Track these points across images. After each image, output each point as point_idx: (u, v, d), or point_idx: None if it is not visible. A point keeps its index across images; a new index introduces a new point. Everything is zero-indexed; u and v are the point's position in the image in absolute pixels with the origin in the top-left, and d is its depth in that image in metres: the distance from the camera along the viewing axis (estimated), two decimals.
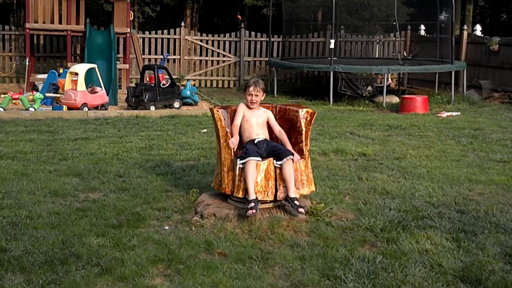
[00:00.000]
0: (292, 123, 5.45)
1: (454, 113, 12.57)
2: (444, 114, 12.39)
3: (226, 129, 5.22)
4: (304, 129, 5.33)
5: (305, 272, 4.11)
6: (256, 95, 5.46)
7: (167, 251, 4.40)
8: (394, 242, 4.64)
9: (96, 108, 11.64)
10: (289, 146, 5.32)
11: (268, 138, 5.42)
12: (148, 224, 5.03)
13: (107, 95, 12.18)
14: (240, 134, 5.41)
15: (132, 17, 15.89)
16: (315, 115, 5.42)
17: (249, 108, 5.50)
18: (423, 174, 6.91)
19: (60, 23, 14.22)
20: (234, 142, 5.24)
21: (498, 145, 8.91)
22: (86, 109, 11.36)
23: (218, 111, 5.23)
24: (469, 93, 15.46)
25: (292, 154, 5.16)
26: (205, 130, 9.75)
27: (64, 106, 11.40)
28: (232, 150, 5.21)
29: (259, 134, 5.39)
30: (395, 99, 14.53)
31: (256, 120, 5.45)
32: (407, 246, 4.54)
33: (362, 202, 5.68)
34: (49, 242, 4.52)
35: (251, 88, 5.45)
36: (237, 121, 5.41)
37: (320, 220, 5.07)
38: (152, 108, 11.86)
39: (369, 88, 15.33)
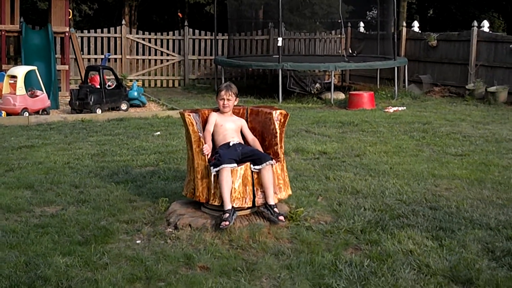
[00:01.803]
0: (265, 125, 5.27)
1: (400, 108, 12.79)
2: (391, 109, 12.55)
3: (199, 134, 4.98)
4: (278, 131, 5.17)
5: (294, 282, 3.95)
6: (229, 99, 5.27)
7: (144, 268, 4.11)
8: (377, 244, 4.56)
9: (38, 112, 11.05)
10: None
11: (242, 142, 5.23)
12: (118, 239, 4.70)
13: (48, 98, 11.58)
14: (213, 138, 5.20)
15: (71, 16, 15.24)
16: (288, 117, 5.26)
17: (222, 113, 5.30)
18: (387, 171, 6.90)
19: None
20: (207, 148, 5.01)
21: (450, 138, 9.09)
22: (26, 114, 10.73)
23: (189, 115, 4.98)
24: (410, 87, 15.86)
25: (271, 159, 4.99)
26: (158, 133, 9.45)
27: (3, 111, 10.72)
28: (206, 156, 4.98)
29: (234, 137, 5.19)
30: (341, 95, 14.68)
31: (230, 125, 5.26)
32: (391, 247, 4.46)
33: (336, 203, 5.58)
34: (10, 264, 4.13)
35: (223, 93, 5.26)
36: (210, 127, 5.20)
37: (300, 225, 4.93)
38: (98, 111, 11.39)
39: (317, 85, 15.40)
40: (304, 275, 4.03)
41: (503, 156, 7.76)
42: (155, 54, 17.64)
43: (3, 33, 13.44)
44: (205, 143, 5.03)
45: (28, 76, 11.38)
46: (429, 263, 4.18)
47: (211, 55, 17.92)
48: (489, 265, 4.19)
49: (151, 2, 27.27)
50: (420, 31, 17.57)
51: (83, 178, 6.47)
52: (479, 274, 4.01)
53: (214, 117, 5.27)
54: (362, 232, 4.81)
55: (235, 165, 4.88)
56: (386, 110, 12.52)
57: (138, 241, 4.66)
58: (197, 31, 17.94)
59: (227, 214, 4.73)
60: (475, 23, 15.11)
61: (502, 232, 4.78)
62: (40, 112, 11.16)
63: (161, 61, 17.71)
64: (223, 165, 4.82)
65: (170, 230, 4.85)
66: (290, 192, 5.27)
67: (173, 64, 17.91)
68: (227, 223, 4.68)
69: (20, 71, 11.13)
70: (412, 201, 5.70)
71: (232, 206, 4.80)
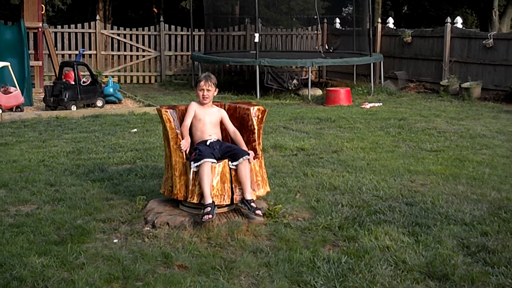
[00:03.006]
0: (243, 122, 5.26)
1: (376, 104, 12.85)
2: (368, 105, 12.62)
3: (176, 130, 4.94)
4: (256, 127, 5.16)
5: (273, 279, 3.94)
6: (208, 90, 5.20)
7: (121, 268, 4.06)
8: (354, 240, 4.58)
9: (11, 109, 10.91)
10: (244, 147, 5.12)
11: (220, 138, 5.21)
12: (94, 238, 4.64)
13: (22, 95, 11.41)
14: (191, 133, 5.14)
15: (44, 11, 15.01)
16: (266, 113, 5.25)
17: (202, 104, 5.24)
18: (364, 167, 6.94)
19: None
20: (185, 144, 4.96)
21: (425, 134, 9.18)
22: (0, 111, 10.57)
23: (166, 111, 4.94)
24: (386, 83, 15.98)
25: (248, 154, 4.96)
26: (135, 129, 9.37)
27: None
28: (184, 152, 4.94)
29: (212, 134, 5.16)
30: (318, 92, 14.73)
31: (210, 118, 5.20)
32: (368, 244, 4.49)
33: (314, 199, 5.60)
34: None
35: (202, 83, 5.19)
36: (187, 121, 5.13)
37: (278, 222, 4.93)
38: (73, 107, 11.28)
39: (294, 81, 15.42)
40: (282, 272, 4.03)
41: (477, 152, 7.86)
42: (131, 50, 17.48)
43: None
44: (182, 139, 4.98)
45: (1, 72, 11.21)
46: (405, 259, 4.21)
47: (187, 51, 17.82)
48: (464, 260, 4.23)
49: None
50: (395, 28, 17.69)
51: (59, 176, 6.38)
52: (455, 269, 4.05)
53: (193, 108, 5.17)
54: (340, 228, 4.83)
55: (215, 160, 4.84)
56: (363, 106, 12.60)
57: (115, 240, 4.61)
58: (173, 27, 17.82)
59: (209, 208, 4.69)
60: (449, 20, 15.26)
61: (476, 228, 4.84)
62: (14, 109, 11.01)
63: (137, 57, 17.56)
64: (204, 160, 4.77)
65: (148, 228, 4.81)
66: (268, 189, 5.27)
67: (149, 60, 17.77)
68: (210, 216, 4.64)
69: None
70: (389, 197, 5.74)
71: (213, 201, 4.77)
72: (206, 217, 4.64)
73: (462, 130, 9.56)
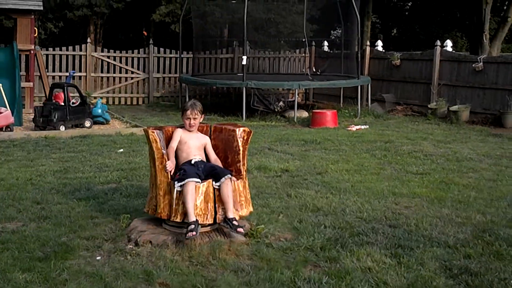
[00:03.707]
0: (228, 143, 5.33)
1: (363, 127, 12.92)
2: (354, 128, 12.71)
3: (162, 150, 5.01)
4: (241, 148, 5.22)
5: None
6: (195, 118, 5.31)
7: (103, 285, 4.11)
8: (336, 261, 4.61)
9: (1, 129, 10.95)
10: None
11: (205, 160, 5.28)
12: (78, 255, 4.68)
13: (12, 115, 11.48)
14: (176, 155, 5.23)
15: (36, 34, 15.15)
16: (251, 134, 5.33)
17: (188, 131, 5.34)
18: (348, 189, 6.99)
19: None
20: (171, 165, 5.04)
21: (411, 157, 9.21)
22: None
23: (153, 132, 5.01)
24: (373, 106, 16.01)
25: (230, 174, 5.04)
26: (121, 150, 9.42)
27: None
28: (169, 173, 5.00)
29: (196, 155, 5.23)
30: (304, 114, 14.78)
31: (194, 142, 5.30)
32: (350, 265, 4.52)
33: (297, 220, 5.64)
34: None
35: (189, 112, 5.29)
36: (173, 144, 5.22)
37: (260, 242, 4.97)
38: (62, 128, 11.34)
39: (281, 103, 15.52)
40: None
41: (464, 175, 7.89)
42: (120, 72, 17.59)
43: None
44: (168, 160, 5.05)
45: None
46: (386, 280, 4.24)
47: (175, 73, 17.95)
48: (446, 282, 4.26)
49: (116, 21, 27.18)
50: (383, 50, 17.87)
51: (45, 195, 6.44)
52: None
53: (178, 134, 5.28)
54: (322, 249, 4.86)
55: (199, 180, 4.91)
56: (349, 128, 12.68)
57: (98, 258, 4.65)
58: (162, 49, 17.97)
59: (193, 225, 4.74)
60: (438, 43, 15.37)
61: (460, 250, 4.87)
62: (4, 129, 11.05)
63: (126, 78, 17.66)
64: (188, 179, 4.85)
65: (131, 246, 4.85)
66: (251, 209, 5.32)
67: (138, 81, 17.86)
68: (194, 233, 4.69)
69: None
70: (372, 218, 5.78)
71: (196, 219, 4.81)
72: (190, 233, 4.69)
73: (449, 153, 9.61)
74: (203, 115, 5.40)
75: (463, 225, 5.61)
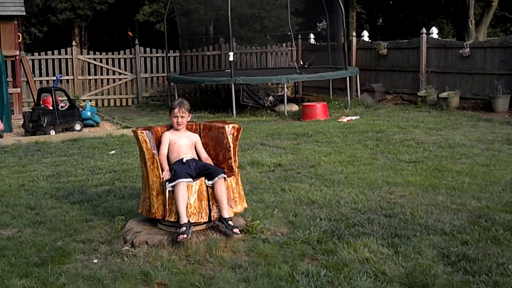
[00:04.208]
0: (219, 140, 5.31)
1: (353, 117, 12.91)
2: (345, 119, 12.70)
3: (153, 151, 4.98)
4: (231, 145, 5.21)
5: None
6: (182, 117, 5.29)
7: (101, 287, 4.10)
8: (333, 254, 4.61)
9: None
10: None
11: (196, 158, 5.26)
12: (75, 259, 4.67)
13: (1, 122, 11.46)
14: (167, 156, 5.22)
15: (21, 39, 15.08)
16: (241, 130, 5.31)
17: (176, 130, 5.32)
18: (342, 181, 6.98)
19: None
20: (166, 174, 5.02)
21: (403, 145, 9.20)
22: None
23: (142, 133, 4.98)
24: (363, 97, 16.02)
25: (224, 172, 5.02)
26: (113, 151, 9.38)
27: None
28: (160, 171, 4.99)
29: (187, 153, 5.22)
30: (294, 107, 14.79)
31: (184, 141, 5.29)
32: (347, 256, 4.52)
33: (292, 214, 5.63)
34: None
35: (176, 110, 5.28)
36: (164, 150, 5.21)
37: (257, 237, 4.96)
38: (52, 132, 11.31)
39: (270, 98, 15.51)
40: (261, 287, 4.05)
41: (457, 162, 7.88)
42: (107, 74, 17.56)
43: None
44: (162, 168, 5.03)
45: None
46: (385, 270, 4.23)
47: (163, 72, 17.93)
48: (444, 270, 4.25)
49: (100, 23, 27.11)
50: (370, 40, 17.86)
51: (39, 200, 6.42)
52: (435, 279, 4.07)
53: (167, 137, 5.28)
54: (318, 242, 4.85)
55: (191, 180, 4.90)
56: (340, 120, 12.68)
57: (95, 260, 4.63)
58: (148, 49, 17.95)
59: (184, 228, 4.74)
60: (424, 30, 15.38)
61: (457, 237, 4.86)
62: None
63: (114, 80, 17.64)
64: (178, 180, 4.83)
65: (127, 248, 4.83)
66: (245, 205, 5.30)
67: (126, 82, 17.85)
68: (185, 236, 4.69)
69: None
70: (367, 209, 5.77)
71: (188, 220, 4.81)
72: (181, 236, 4.69)
73: (441, 140, 9.59)
74: (190, 114, 5.39)
75: (458, 212, 5.60)
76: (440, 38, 16.13)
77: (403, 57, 15.96)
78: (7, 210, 6.04)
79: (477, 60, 14.10)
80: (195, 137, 5.40)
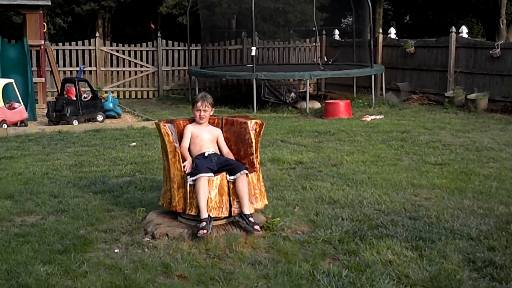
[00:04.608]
0: (241, 135, 5.25)
1: (378, 117, 12.75)
2: (369, 118, 12.54)
3: (175, 144, 4.96)
4: (253, 141, 5.15)
5: None
6: (205, 110, 5.25)
7: (122, 277, 4.11)
8: (355, 254, 4.54)
9: (16, 124, 11.07)
10: None
11: (218, 152, 5.22)
12: (96, 247, 4.70)
13: (26, 110, 11.59)
14: (189, 149, 5.18)
15: (46, 29, 15.19)
16: (263, 126, 5.25)
17: (198, 123, 5.29)
18: (365, 181, 6.87)
19: None
20: (188, 166, 4.99)
21: (429, 147, 9.04)
22: (5, 126, 10.74)
23: (165, 125, 4.96)
24: (388, 95, 15.78)
25: (246, 168, 4.98)
26: (134, 143, 9.40)
27: None
28: (182, 165, 4.96)
29: (210, 148, 5.18)
30: (316, 105, 14.63)
31: (206, 135, 5.24)
32: (369, 258, 4.45)
33: (313, 213, 5.56)
34: None
35: (199, 104, 5.24)
36: (186, 143, 5.18)
37: (277, 234, 4.91)
38: (75, 122, 11.42)
39: (292, 94, 15.39)
40: (281, 284, 4.01)
41: (484, 165, 7.70)
42: (129, 66, 17.59)
43: None
44: (184, 159, 5.00)
45: (6, 89, 11.43)
46: (408, 273, 4.16)
47: (184, 65, 17.89)
48: (470, 275, 4.16)
49: (124, 14, 27.20)
50: (397, 38, 17.57)
51: (62, 188, 6.48)
52: (460, 284, 3.99)
53: (189, 130, 5.24)
54: (340, 242, 4.78)
55: (212, 174, 4.87)
56: (363, 119, 12.53)
57: (116, 250, 4.65)
58: (170, 42, 17.91)
59: (204, 223, 4.72)
60: (453, 29, 15.02)
61: (483, 243, 4.75)
62: (18, 124, 11.18)
63: (135, 72, 17.66)
64: (200, 174, 4.81)
65: (148, 239, 4.84)
66: (266, 202, 5.25)
67: (147, 75, 17.86)
68: (204, 231, 4.67)
69: None
70: (391, 211, 5.67)
71: (209, 215, 4.79)
72: (201, 232, 4.67)
73: (468, 142, 9.40)
74: (213, 109, 5.34)
75: (485, 217, 5.48)
76: (469, 38, 15.76)
77: (430, 56, 15.61)
78: (31, 197, 6.11)
79: (508, 61, 13.70)
80: (217, 132, 5.36)
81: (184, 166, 4.97)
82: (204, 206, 4.77)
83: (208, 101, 5.26)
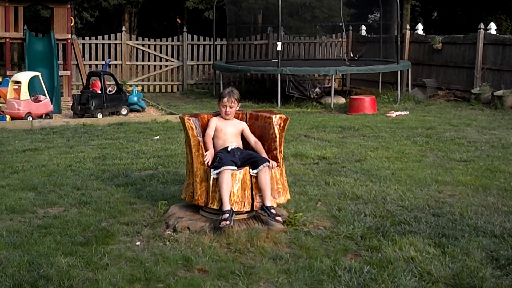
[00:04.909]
0: (265, 130, 5.24)
1: (403, 113, 12.64)
2: (394, 114, 12.45)
3: (198, 138, 4.96)
4: (277, 135, 5.13)
5: (293, 286, 3.91)
6: (231, 106, 5.22)
7: (143, 269, 4.12)
8: (377, 250, 4.50)
9: (41, 117, 11.20)
10: (264, 155, 5.11)
11: (241, 147, 5.21)
12: (118, 240, 4.72)
13: (51, 103, 11.70)
14: (213, 143, 5.17)
15: (73, 23, 15.33)
16: (288, 121, 5.23)
17: (224, 119, 5.27)
18: (389, 177, 6.81)
19: None
20: (209, 157, 4.99)
21: (454, 144, 8.94)
22: (30, 118, 10.88)
23: (189, 119, 4.96)
24: (413, 92, 15.66)
25: (268, 161, 4.96)
26: (157, 137, 9.43)
27: (7, 116, 10.88)
28: (207, 162, 4.96)
29: (233, 142, 5.16)
30: (341, 100, 14.57)
31: (231, 129, 5.23)
32: (392, 254, 4.40)
33: (336, 208, 5.52)
34: (14, 263, 4.18)
35: (225, 100, 5.20)
36: (210, 131, 5.17)
37: (299, 229, 4.88)
38: (99, 115, 11.49)
39: (317, 89, 15.31)
40: (302, 280, 3.99)
41: (509, 162, 7.59)
42: (154, 60, 17.67)
43: (7, 40, 13.59)
44: (206, 150, 5.00)
45: (32, 81, 11.56)
46: (431, 270, 4.11)
47: (209, 60, 17.92)
48: (493, 273, 4.10)
49: (150, 9, 27.33)
50: (424, 34, 17.40)
51: (85, 181, 6.53)
52: (483, 282, 3.94)
53: (214, 122, 5.24)
54: (362, 238, 4.75)
55: (235, 168, 4.86)
56: (388, 114, 12.43)
57: (137, 243, 4.67)
58: (195, 37, 17.95)
59: (227, 215, 4.71)
60: (482, 26, 14.82)
61: (507, 240, 4.68)
62: (43, 117, 11.30)
63: (160, 66, 17.75)
64: (224, 167, 4.80)
65: (169, 232, 4.85)
66: (289, 197, 5.23)
67: (172, 69, 17.93)
68: (227, 222, 4.66)
69: (24, 77, 11.32)
70: (415, 207, 5.61)
71: (231, 208, 4.78)
72: (223, 223, 4.66)
73: (494, 139, 9.28)
74: (239, 104, 5.31)
75: (510, 214, 5.40)
76: (498, 34, 15.53)
77: (458, 52, 15.44)
78: (54, 189, 6.16)
79: None
80: (242, 125, 5.34)
81: (205, 156, 4.95)
82: (227, 199, 4.76)
83: (235, 97, 5.22)
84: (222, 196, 4.77)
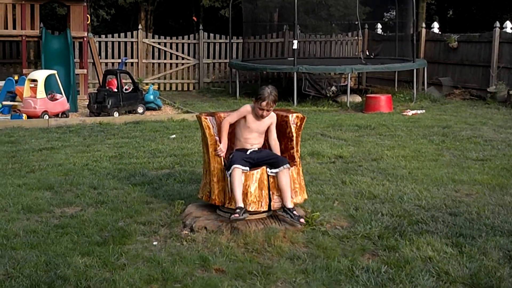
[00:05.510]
0: (282, 129, 5.23)
1: (419, 111, 12.59)
2: (410, 113, 12.39)
3: (215, 137, 4.97)
4: (294, 134, 5.13)
5: (310, 286, 3.92)
6: (268, 110, 5.02)
7: (160, 270, 4.13)
8: (394, 250, 4.49)
9: (57, 115, 11.24)
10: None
11: (261, 146, 5.17)
12: (135, 240, 4.73)
13: (67, 101, 11.76)
14: (235, 139, 5.13)
15: (89, 21, 15.41)
16: (304, 120, 5.22)
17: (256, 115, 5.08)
18: (406, 176, 6.79)
19: (14, 28, 13.63)
20: (222, 150, 4.96)
21: (470, 142, 8.88)
22: (46, 117, 10.93)
23: (206, 118, 4.97)
24: (429, 90, 15.59)
25: (288, 163, 4.95)
26: (174, 136, 9.46)
27: (24, 114, 10.94)
28: (222, 158, 4.96)
29: (254, 144, 5.09)
30: (357, 99, 14.53)
31: (258, 127, 5.08)
32: (409, 254, 4.39)
33: (353, 208, 5.52)
34: (31, 264, 4.20)
35: (264, 104, 4.93)
36: (233, 118, 5.03)
37: (316, 229, 4.88)
38: (116, 114, 11.52)
39: (333, 88, 15.28)
40: (320, 280, 3.99)
41: None
42: (171, 58, 17.73)
43: (23, 38, 13.65)
44: (220, 141, 4.96)
45: (48, 80, 11.59)
46: (448, 270, 4.10)
47: (225, 58, 17.93)
48: (510, 273, 4.09)
49: (166, 7, 27.34)
50: (440, 32, 17.31)
51: (101, 180, 6.54)
52: (501, 282, 3.93)
53: (247, 111, 5.01)
54: (380, 237, 4.74)
55: (247, 168, 4.84)
56: (405, 113, 12.38)
57: (154, 243, 4.68)
58: (212, 35, 17.98)
59: (238, 210, 4.72)
60: (497, 24, 14.72)
61: None
62: (60, 115, 11.34)
63: (176, 64, 17.79)
64: (234, 165, 4.79)
65: (186, 232, 4.86)
66: (305, 196, 5.23)
67: (188, 67, 17.97)
68: (237, 215, 4.67)
69: (41, 75, 11.35)
70: (432, 206, 5.60)
71: (244, 206, 4.77)
72: (234, 215, 4.68)
73: (510, 138, 9.22)
74: (275, 103, 5.07)
75: None
76: None
77: (473, 51, 15.35)
78: (71, 189, 6.18)
79: None
80: (272, 119, 5.12)
81: (218, 149, 4.92)
82: (239, 196, 4.75)
83: (274, 99, 4.97)
84: (234, 193, 4.77)
